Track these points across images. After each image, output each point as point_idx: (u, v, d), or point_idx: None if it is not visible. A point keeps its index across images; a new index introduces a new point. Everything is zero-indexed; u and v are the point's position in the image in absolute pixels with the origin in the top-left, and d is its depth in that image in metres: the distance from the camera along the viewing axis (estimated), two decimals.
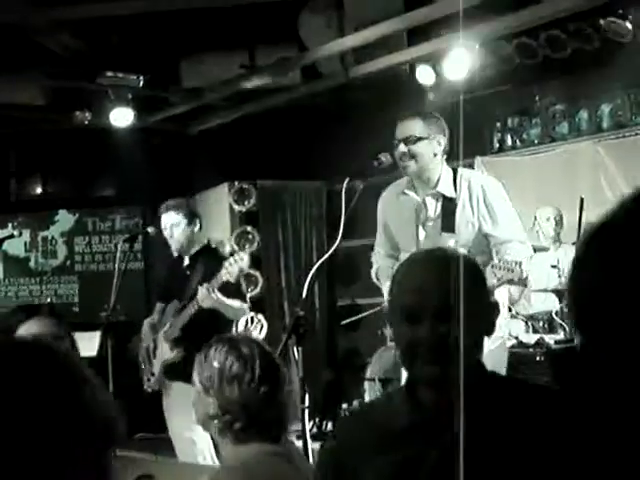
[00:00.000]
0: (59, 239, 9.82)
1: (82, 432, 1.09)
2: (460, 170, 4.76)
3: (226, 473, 2.78)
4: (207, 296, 5.30)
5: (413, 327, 2.10)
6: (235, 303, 5.57)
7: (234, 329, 6.24)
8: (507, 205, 4.73)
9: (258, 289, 9.18)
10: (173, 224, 5.67)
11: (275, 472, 2.70)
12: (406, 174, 4.73)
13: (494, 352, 4.69)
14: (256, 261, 9.14)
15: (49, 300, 9.24)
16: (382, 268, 4.98)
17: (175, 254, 5.86)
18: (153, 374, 5.74)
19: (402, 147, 4.62)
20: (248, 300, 5.79)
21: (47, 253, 9.79)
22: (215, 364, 2.75)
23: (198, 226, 5.76)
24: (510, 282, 4.38)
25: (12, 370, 1.10)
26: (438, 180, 4.69)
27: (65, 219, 9.87)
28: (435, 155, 4.65)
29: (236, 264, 5.23)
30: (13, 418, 1.06)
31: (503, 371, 4.73)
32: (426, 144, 4.62)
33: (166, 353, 5.61)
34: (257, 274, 9.12)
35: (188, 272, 5.72)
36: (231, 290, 5.45)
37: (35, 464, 1.05)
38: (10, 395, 1.07)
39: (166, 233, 5.71)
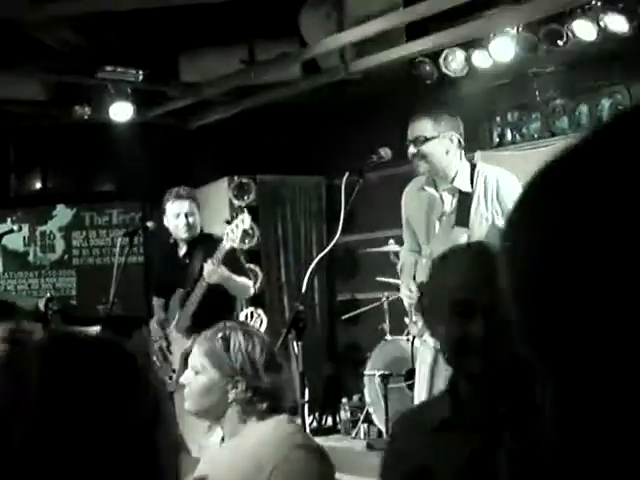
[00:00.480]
0: (57, 234, 9.91)
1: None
2: (478, 165, 4.80)
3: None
4: (214, 271, 5.25)
5: (465, 322, 2.08)
6: (241, 279, 5.56)
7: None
8: None
9: (258, 284, 9.18)
10: (188, 212, 5.66)
11: (301, 436, 2.85)
12: (418, 174, 4.78)
13: None
14: (256, 256, 9.15)
15: (48, 295, 9.23)
16: (405, 264, 5.06)
17: (181, 245, 5.80)
18: (174, 370, 5.65)
19: (411, 148, 4.67)
20: (252, 278, 5.79)
21: (45, 247, 9.88)
22: (243, 349, 2.81)
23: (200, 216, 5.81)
24: None
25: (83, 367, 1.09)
26: (455, 175, 4.72)
27: (63, 214, 9.95)
28: (447, 152, 4.67)
29: (238, 229, 5.21)
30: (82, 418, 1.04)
31: None
32: (436, 143, 4.65)
33: (184, 344, 5.54)
34: (257, 269, 9.12)
35: (187, 260, 5.70)
36: (235, 268, 5.45)
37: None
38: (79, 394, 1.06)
39: (179, 221, 5.66)
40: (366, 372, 7.52)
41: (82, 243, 9.84)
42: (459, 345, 2.10)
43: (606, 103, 7.64)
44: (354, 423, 7.88)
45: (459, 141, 4.70)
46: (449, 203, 4.76)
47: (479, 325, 2.05)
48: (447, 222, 4.74)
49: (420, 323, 4.78)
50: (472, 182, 4.71)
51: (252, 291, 5.92)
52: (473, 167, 4.76)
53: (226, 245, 5.20)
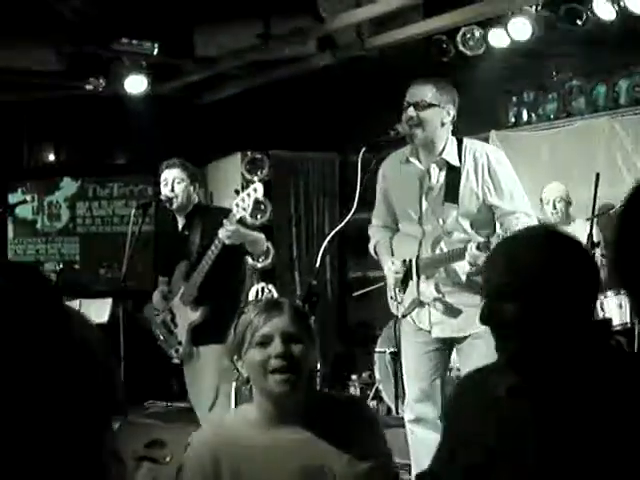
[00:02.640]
0: (62, 204, 10.34)
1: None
2: (465, 140, 4.66)
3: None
4: (231, 232, 5.19)
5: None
6: (256, 234, 5.55)
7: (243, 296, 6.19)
8: (513, 177, 4.63)
9: (269, 260, 9.18)
10: (176, 178, 5.60)
11: None
12: (411, 141, 4.60)
13: None
14: (268, 231, 9.14)
15: (60, 266, 9.32)
16: (380, 242, 4.91)
17: (179, 218, 5.75)
18: (180, 342, 5.63)
19: (411, 111, 4.51)
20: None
21: (52, 216, 10.35)
22: None
23: (197, 187, 5.70)
24: None
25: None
26: (443, 148, 4.59)
27: (69, 185, 10.34)
28: (443, 125, 4.55)
29: (249, 197, 5.13)
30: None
31: None
32: (436, 112, 4.51)
33: (190, 316, 5.51)
34: (269, 244, 9.12)
35: (187, 232, 5.66)
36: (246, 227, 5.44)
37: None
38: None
39: (166, 189, 5.63)
40: (376, 349, 7.52)
41: (85, 213, 10.30)
42: None
43: (623, 84, 7.59)
44: (364, 400, 7.90)
45: (453, 116, 4.61)
46: (436, 177, 4.62)
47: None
48: (436, 198, 4.60)
49: (407, 302, 4.71)
50: (460, 158, 4.61)
51: (266, 245, 5.86)
52: (460, 142, 4.66)
53: (237, 214, 5.14)
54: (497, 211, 4.55)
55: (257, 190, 5.12)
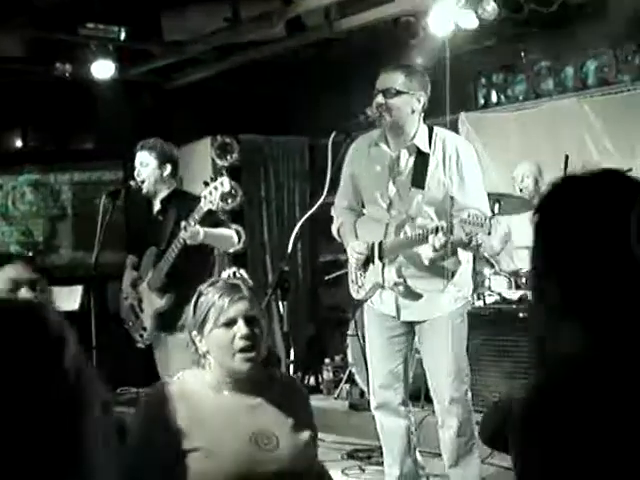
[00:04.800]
0: (26, 188, 10.23)
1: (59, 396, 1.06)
2: (436, 129, 4.63)
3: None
4: (192, 233, 5.15)
5: None
6: (224, 231, 5.48)
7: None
8: (478, 174, 4.61)
9: (241, 244, 9.16)
10: (142, 162, 5.53)
11: None
12: (380, 126, 4.58)
13: (454, 313, 4.64)
14: (239, 216, 9.12)
15: (30, 254, 9.24)
16: (344, 223, 4.85)
17: (154, 202, 5.68)
18: (145, 328, 5.59)
19: (380, 98, 4.49)
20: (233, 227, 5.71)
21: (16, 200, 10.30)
22: None
23: (169, 170, 5.54)
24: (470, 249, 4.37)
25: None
26: (415, 135, 4.57)
27: (34, 171, 10.27)
28: (413, 112, 4.52)
29: (217, 191, 5.07)
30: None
31: (464, 331, 4.69)
32: (405, 99, 4.49)
33: (156, 303, 5.48)
34: (240, 229, 9.09)
35: (160, 217, 5.59)
36: (213, 224, 5.35)
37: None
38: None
39: (135, 172, 5.60)
40: (348, 333, 7.53)
41: (49, 196, 10.24)
42: None
43: (591, 65, 7.62)
44: (336, 383, 7.91)
45: (424, 103, 4.60)
46: (405, 162, 4.60)
47: None
48: (403, 182, 4.58)
49: (368, 286, 4.70)
50: (430, 144, 4.58)
51: (236, 240, 5.77)
52: (430, 130, 4.63)
53: (204, 207, 5.08)
54: (455, 204, 4.49)
55: (224, 184, 5.04)
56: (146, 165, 5.52)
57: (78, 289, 8.56)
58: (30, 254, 9.07)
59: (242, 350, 2.93)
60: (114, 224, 5.86)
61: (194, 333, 3.00)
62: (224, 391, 2.99)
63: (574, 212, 1.61)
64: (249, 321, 2.95)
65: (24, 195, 10.19)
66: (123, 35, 8.21)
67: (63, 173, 10.10)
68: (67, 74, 8.74)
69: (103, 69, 8.59)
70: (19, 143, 10.60)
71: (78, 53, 8.60)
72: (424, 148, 4.55)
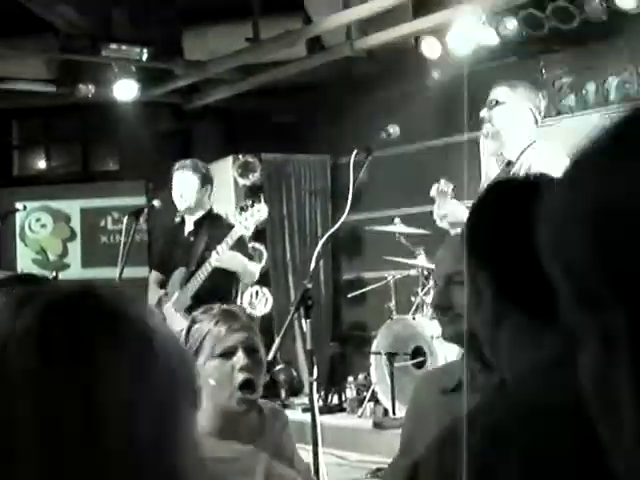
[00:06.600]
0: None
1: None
2: (535, 144, 4.61)
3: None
4: (224, 257, 5.17)
5: None
6: (250, 265, 5.50)
7: (239, 300, 6.17)
8: None
9: (263, 263, 9.17)
10: (185, 182, 5.55)
11: None
12: (484, 136, 4.69)
13: None
14: (261, 235, 9.13)
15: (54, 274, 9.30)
16: None
17: (177, 219, 5.75)
18: None
19: (483, 111, 4.60)
20: (257, 261, 5.72)
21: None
22: None
23: (209, 192, 5.65)
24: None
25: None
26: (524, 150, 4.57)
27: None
28: (516, 123, 4.56)
29: (252, 217, 5.09)
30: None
31: None
32: (505, 110, 4.56)
33: (181, 324, 5.50)
34: (262, 248, 9.10)
35: (192, 238, 5.61)
36: (242, 253, 5.38)
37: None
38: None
39: (175, 192, 5.59)
40: (372, 351, 7.51)
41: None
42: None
43: (613, 81, 7.59)
44: (360, 402, 7.88)
45: (533, 114, 4.61)
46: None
47: None
48: None
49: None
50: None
51: (256, 277, 5.81)
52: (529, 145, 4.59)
53: (238, 232, 5.10)
54: None
55: (261, 211, 5.09)
56: (190, 185, 5.53)
57: None
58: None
59: (242, 388, 2.62)
60: (136, 243, 5.87)
61: None
62: (211, 437, 2.62)
63: (495, 214, 1.63)
64: (249, 352, 2.65)
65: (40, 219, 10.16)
66: (145, 55, 8.26)
67: (78, 196, 10.06)
68: (90, 95, 8.79)
69: (125, 90, 8.64)
70: (42, 164, 10.67)
71: (101, 74, 8.65)
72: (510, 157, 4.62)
